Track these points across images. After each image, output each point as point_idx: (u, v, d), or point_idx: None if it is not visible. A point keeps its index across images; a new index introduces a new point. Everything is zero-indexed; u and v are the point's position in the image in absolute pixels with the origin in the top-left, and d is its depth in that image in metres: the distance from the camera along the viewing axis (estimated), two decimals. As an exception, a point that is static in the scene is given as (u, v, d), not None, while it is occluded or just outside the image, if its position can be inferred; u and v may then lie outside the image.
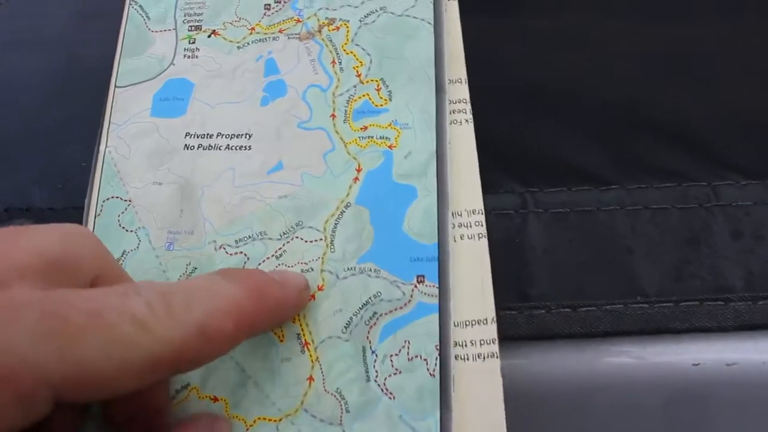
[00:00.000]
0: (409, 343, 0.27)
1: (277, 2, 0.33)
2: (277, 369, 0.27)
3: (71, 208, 0.31)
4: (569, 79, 0.35)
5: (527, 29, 0.37)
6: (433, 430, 0.26)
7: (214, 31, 0.33)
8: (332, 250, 0.28)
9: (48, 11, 0.40)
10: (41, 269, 0.20)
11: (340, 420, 0.26)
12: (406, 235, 0.28)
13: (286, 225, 0.29)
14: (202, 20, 0.33)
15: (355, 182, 0.29)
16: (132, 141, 0.31)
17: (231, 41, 0.32)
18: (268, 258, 0.28)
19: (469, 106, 0.31)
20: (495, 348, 0.27)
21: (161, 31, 0.33)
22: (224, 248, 0.29)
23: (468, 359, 0.27)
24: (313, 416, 0.26)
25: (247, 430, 0.26)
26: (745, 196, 0.31)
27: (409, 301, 0.27)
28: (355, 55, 0.31)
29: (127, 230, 0.29)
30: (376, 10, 0.32)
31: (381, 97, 0.31)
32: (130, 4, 0.34)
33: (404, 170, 0.29)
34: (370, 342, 0.27)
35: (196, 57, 0.32)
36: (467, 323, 0.27)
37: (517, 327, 0.29)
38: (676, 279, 0.29)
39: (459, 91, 0.31)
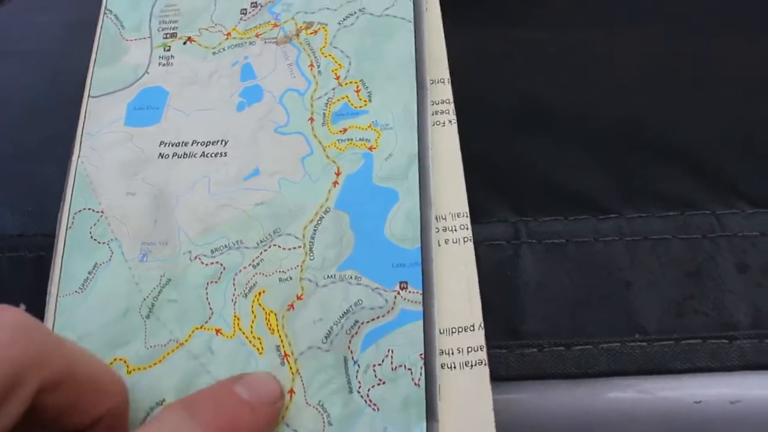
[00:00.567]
0: (392, 352, 0.26)
1: (254, 7, 0.32)
2: None
3: (41, 235, 0.30)
4: (566, 99, 0.33)
5: (522, 44, 0.36)
6: None
7: (190, 38, 0.32)
8: (311, 257, 0.27)
9: (37, 21, 0.40)
10: None
11: None
12: (388, 240, 0.27)
13: (263, 233, 0.28)
14: (177, 27, 0.32)
15: (335, 186, 0.28)
16: (105, 151, 0.30)
17: (206, 47, 0.32)
18: (244, 267, 0.27)
19: (452, 107, 0.30)
20: (483, 355, 0.26)
21: (136, 39, 0.32)
22: (199, 258, 0.28)
23: (455, 367, 0.26)
24: (295, 430, 0.25)
25: (227, 448, 0.25)
26: (752, 226, 0.29)
27: (392, 308, 0.26)
28: (333, 58, 0.31)
29: (99, 242, 0.28)
30: (355, 12, 0.31)
31: (360, 99, 0.30)
32: (104, 13, 0.33)
33: (385, 173, 0.28)
34: (351, 352, 0.26)
35: (171, 65, 0.31)
36: (453, 330, 0.26)
37: (507, 367, 0.27)
38: (677, 315, 0.28)
39: (442, 92, 0.30)
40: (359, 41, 0.31)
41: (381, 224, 0.27)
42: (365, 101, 0.30)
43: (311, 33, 0.31)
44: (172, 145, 0.30)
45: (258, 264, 0.27)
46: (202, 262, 0.28)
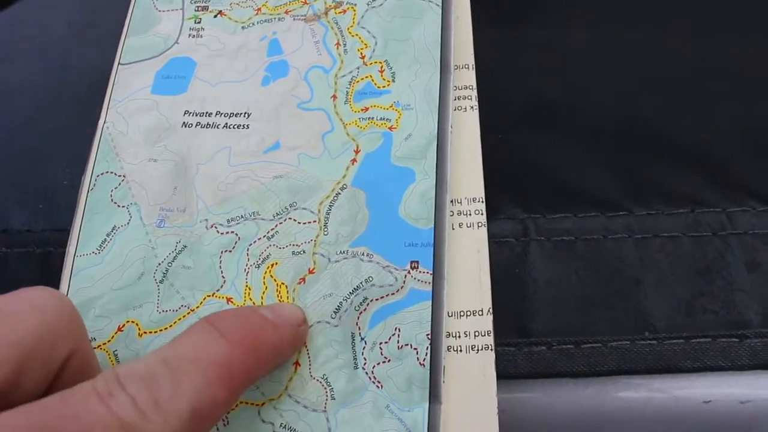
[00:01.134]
0: (399, 330, 0.26)
1: (285, -17, 0.33)
2: None
3: (50, 230, 0.30)
4: (575, 96, 0.33)
5: (532, 41, 0.35)
6: (420, 421, 0.24)
7: (221, 11, 0.32)
8: (325, 232, 0.27)
9: (44, 21, 0.40)
10: (16, 361, 0.19)
11: (325, 407, 0.25)
12: (402, 220, 0.27)
13: (280, 205, 0.28)
14: (209, 1, 0.33)
15: (353, 164, 0.28)
16: (131, 117, 0.30)
17: (236, 21, 0.32)
18: (259, 239, 0.28)
19: (475, 93, 0.30)
20: (490, 340, 0.26)
21: (168, 11, 0.33)
22: (215, 227, 0.28)
23: (461, 351, 0.26)
24: (297, 401, 0.25)
25: (229, 413, 0.26)
26: (763, 224, 0.29)
27: (402, 287, 0.26)
28: (360, 38, 0.31)
29: (118, 205, 0.29)
30: (384, -7, 0.31)
31: (384, 79, 0.30)
32: (140, -17, 0.33)
33: (404, 153, 0.28)
34: (359, 328, 0.26)
35: (201, 36, 0.32)
36: (462, 314, 0.26)
37: (516, 365, 0.27)
38: (687, 313, 0.27)
39: (465, 77, 0.30)
40: (387, 22, 0.31)
41: (396, 203, 0.27)
42: (389, 81, 0.30)
43: (340, 12, 0.31)
44: (196, 115, 0.30)
45: (273, 236, 0.28)
46: (218, 231, 0.28)
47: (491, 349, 0.26)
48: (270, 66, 0.31)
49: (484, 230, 0.28)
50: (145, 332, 0.27)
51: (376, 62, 0.30)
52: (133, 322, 0.27)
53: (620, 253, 0.28)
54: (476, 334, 0.26)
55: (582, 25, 0.36)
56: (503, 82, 0.33)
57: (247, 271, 0.27)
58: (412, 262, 0.27)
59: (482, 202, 0.28)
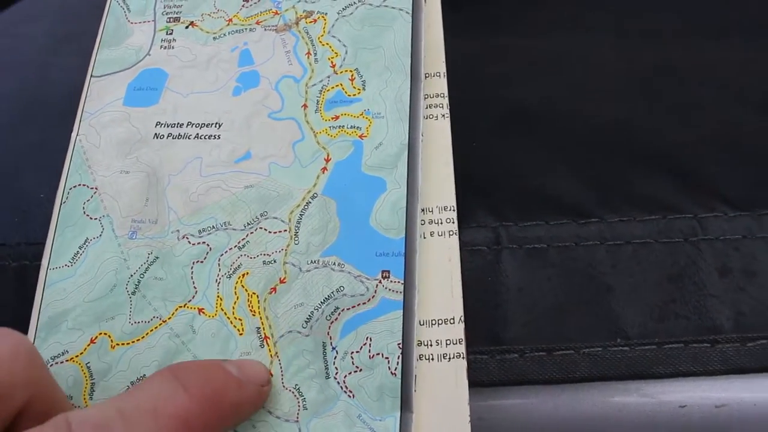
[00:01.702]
0: (370, 340, 0.26)
1: (256, -6, 0.33)
2: None
3: (24, 243, 0.30)
4: (546, 103, 0.33)
5: (503, 49, 0.35)
6: (392, 431, 0.24)
7: (192, 22, 0.32)
8: (296, 242, 0.27)
9: (24, 33, 0.40)
10: None
11: (297, 417, 0.25)
12: (373, 229, 0.27)
13: (251, 215, 0.28)
14: (181, 12, 0.33)
15: (323, 173, 0.28)
16: (103, 129, 0.30)
17: (208, 32, 0.32)
18: (230, 249, 0.28)
19: (446, 101, 0.30)
20: (461, 348, 0.26)
21: (140, 22, 0.33)
22: (187, 238, 0.28)
23: (433, 359, 0.26)
24: (270, 412, 0.25)
25: (200, 425, 0.25)
26: (734, 229, 0.29)
27: (373, 296, 0.26)
28: (330, 47, 0.31)
29: (91, 218, 0.29)
30: (355, 2, 0.31)
31: (354, 87, 0.30)
32: (112, -4, 0.34)
33: (374, 161, 0.28)
34: (330, 338, 0.26)
35: (173, 47, 0.32)
36: (433, 322, 0.26)
37: (488, 372, 0.27)
38: (659, 319, 0.27)
39: (437, 85, 0.30)
40: (357, 31, 0.31)
41: (367, 212, 0.27)
42: (359, 89, 0.30)
43: (310, 22, 0.32)
44: (168, 126, 0.30)
45: (243, 246, 0.28)
46: (190, 242, 0.28)
47: (463, 358, 0.26)
48: (241, 76, 0.31)
49: (455, 238, 0.28)
50: (117, 344, 0.27)
51: (346, 71, 0.30)
52: (105, 334, 0.27)
53: (592, 260, 0.28)
54: (448, 342, 0.26)
55: (554, 33, 0.36)
56: (475, 90, 0.33)
57: (218, 281, 0.27)
58: (383, 271, 0.26)
59: (453, 210, 0.28)
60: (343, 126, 0.29)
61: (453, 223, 0.28)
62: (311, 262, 0.27)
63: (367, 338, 0.26)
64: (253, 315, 0.27)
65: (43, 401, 0.21)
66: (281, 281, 0.27)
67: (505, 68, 0.34)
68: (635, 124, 0.32)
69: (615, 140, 0.31)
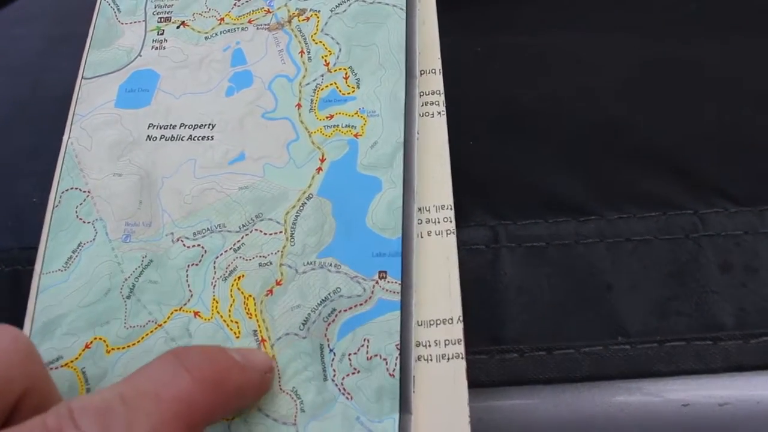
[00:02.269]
0: (368, 341, 0.25)
1: (248, -8, 0.32)
2: None
3: (18, 248, 0.30)
4: (545, 101, 0.32)
5: (501, 47, 0.35)
6: None
7: (183, 22, 0.32)
8: (292, 243, 0.27)
9: (17, 35, 0.39)
10: None
11: (295, 420, 0.25)
12: (369, 229, 0.27)
13: (246, 217, 0.28)
14: (171, 11, 0.32)
15: (318, 173, 0.28)
16: (94, 132, 0.30)
17: (199, 32, 0.32)
18: (225, 251, 0.27)
19: (442, 98, 0.30)
20: (460, 349, 0.26)
21: (131, 23, 0.32)
22: (182, 241, 0.28)
23: (431, 360, 0.25)
24: (267, 415, 0.25)
25: (198, 429, 0.25)
26: (735, 225, 0.28)
27: (370, 297, 0.26)
28: (324, 45, 0.30)
29: (84, 222, 0.28)
30: (348, -1, 0.31)
31: (348, 85, 0.30)
32: (102, -4, 0.33)
33: (370, 161, 0.28)
34: (328, 340, 0.26)
35: (164, 48, 0.31)
36: (431, 322, 0.26)
37: (488, 372, 0.27)
38: (660, 317, 0.27)
39: (432, 82, 0.30)
40: (350, 28, 0.31)
41: (363, 213, 0.27)
42: (353, 88, 0.29)
43: (303, 20, 0.31)
44: (161, 128, 0.30)
45: (239, 248, 0.27)
46: (184, 245, 0.28)
47: (462, 358, 0.25)
48: (234, 76, 0.30)
49: (453, 238, 0.27)
50: (113, 349, 0.27)
51: (340, 69, 0.30)
52: (100, 338, 0.27)
53: (592, 258, 0.28)
54: (446, 342, 0.26)
55: (553, 30, 0.36)
56: (473, 88, 0.32)
57: (214, 284, 0.27)
58: (380, 272, 0.26)
59: (451, 209, 0.28)
60: (338, 125, 0.29)
61: (450, 222, 0.28)
62: (307, 263, 0.27)
63: (364, 340, 0.25)
64: (250, 318, 0.26)
65: (39, 395, 0.21)
66: (277, 283, 0.27)
67: (502, 66, 0.34)
68: (634, 121, 0.31)
69: (614, 137, 0.31)
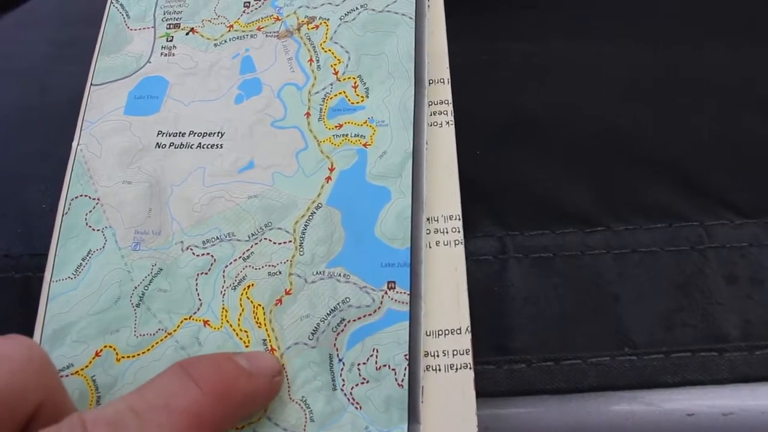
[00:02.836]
0: (377, 351, 0.26)
1: (257, 0, 0.32)
2: None
3: (28, 255, 0.30)
4: (551, 111, 0.32)
5: (507, 55, 0.35)
6: None
7: (193, 28, 0.32)
8: (301, 252, 0.27)
9: (24, 39, 0.39)
10: None
11: (304, 429, 0.25)
12: (378, 239, 0.27)
13: (255, 226, 0.28)
14: (181, 18, 0.32)
15: (328, 182, 0.28)
16: (104, 139, 0.30)
17: (208, 38, 0.32)
18: (235, 260, 0.27)
19: (451, 108, 0.30)
20: (468, 359, 0.26)
21: (140, 29, 0.32)
22: (191, 249, 0.28)
23: (440, 370, 0.26)
24: (276, 424, 0.25)
25: (207, 438, 0.25)
26: (741, 237, 0.28)
27: (379, 307, 0.26)
28: (333, 53, 0.30)
29: (93, 229, 0.28)
30: (357, 8, 0.31)
31: (357, 95, 0.30)
32: (111, 2, 0.33)
33: (379, 170, 0.28)
34: (337, 349, 0.26)
35: (173, 55, 0.31)
36: (440, 333, 0.26)
37: (495, 383, 0.27)
38: (666, 328, 0.27)
39: (441, 92, 0.30)
40: (359, 37, 0.31)
41: (372, 223, 0.27)
42: (362, 97, 0.30)
43: (312, 28, 0.31)
44: (170, 135, 0.30)
45: (248, 257, 0.28)
46: (194, 253, 0.28)
47: (470, 368, 0.26)
48: (243, 84, 0.31)
49: (461, 248, 0.27)
50: (122, 357, 0.27)
51: (349, 78, 0.30)
52: (110, 347, 0.27)
53: (598, 269, 0.28)
54: (455, 353, 0.26)
55: (559, 39, 0.35)
56: (478, 96, 0.32)
57: (223, 293, 0.27)
58: (389, 282, 0.26)
59: (459, 219, 0.28)
60: (347, 134, 0.29)
61: (459, 232, 0.28)
62: (316, 273, 0.27)
63: (373, 350, 0.26)
64: (259, 327, 0.26)
65: (53, 407, 0.21)
66: (287, 293, 0.27)
67: (507, 74, 0.34)
68: (640, 132, 0.31)
69: (620, 148, 0.31)
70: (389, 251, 0.27)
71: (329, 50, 0.31)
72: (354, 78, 0.30)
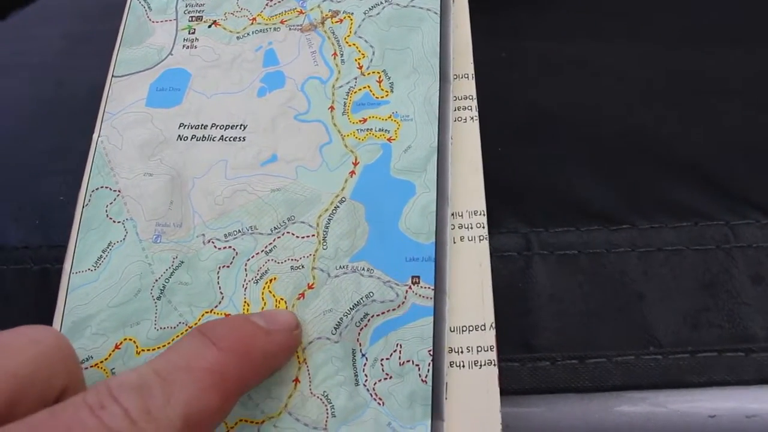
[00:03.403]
0: (401, 346, 0.25)
1: (280, -8, 0.32)
2: None
3: (46, 246, 0.30)
4: (577, 108, 0.32)
5: (532, 53, 0.35)
6: None
7: (215, 21, 0.32)
8: (324, 246, 0.27)
9: (39, 34, 0.39)
10: (12, 391, 0.19)
11: (325, 424, 0.25)
12: (403, 234, 0.27)
13: (278, 219, 0.28)
14: (203, 10, 0.32)
15: (351, 176, 0.28)
16: (125, 130, 0.30)
17: (231, 31, 0.31)
18: (257, 253, 0.27)
19: (475, 103, 0.30)
20: (493, 355, 0.26)
21: (162, 21, 0.32)
22: (213, 242, 0.28)
23: (464, 366, 0.25)
24: (297, 419, 0.25)
25: (228, 431, 0.25)
26: (766, 237, 0.28)
27: (403, 302, 0.26)
28: (357, 47, 0.30)
29: (114, 221, 0.28)
30: (382, 2, 0.31)
31: (382, 89, 0.29)
32: (133, -6, 0.33)
33: (403, 165, 0.28)
34: (360, 344, 0.26)
35: (195, 47, 0.31)
36: (464, 329, 0.26)
37: (519, 380, 0.27)
38: (692, 327, 0.27)
39: (465, 87, 0.30)
40: (384, 31, 0.30)
41: (396, 217, 0.27)
42: (387, 92, 0.29)
43: (336, 21, 0.31)
44: (192, 128, 0.30)
45: (271, 251, 0.27)
46: (215, 246, 0.28)
47: (494, 365, 0.25)
48: (266, 77, 0.30)
49: (485, 243, 0.27)
50: (143, 350, 0.26)
51: (374, 72, 0.30)
52: (130, 339, 0.27)
53: (624, 267, 0.28)
54: (479, 349, 0.26)
55: (584, 37, 0.35)
56: (504, 94, 0.32)
57: (245, 286, 0.27)
58: (413, 277, 0.26)
59: (484, 215, 0.28)
60: (371, 129, 0.29)
61: (483, 228, 0.27)
62: (340, 267, 0.27)
63: (397, 345, 0.25)
64: None
65: (75, 393, 0.22)
66: (309, 287, 0.27)
67: (534, 72, 0.34)
68: (667, 130, 0.31)
69: (645, 146, 0.31)
70: (414, 246, 0.27)
71: (353, 44, 0.30)
72: (378, 72, 0.30)
